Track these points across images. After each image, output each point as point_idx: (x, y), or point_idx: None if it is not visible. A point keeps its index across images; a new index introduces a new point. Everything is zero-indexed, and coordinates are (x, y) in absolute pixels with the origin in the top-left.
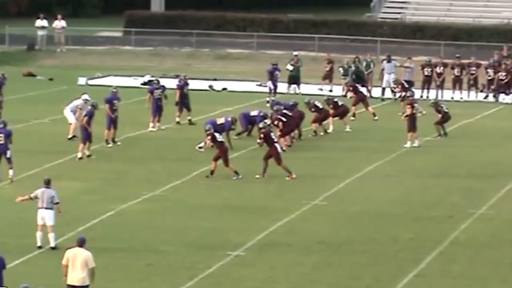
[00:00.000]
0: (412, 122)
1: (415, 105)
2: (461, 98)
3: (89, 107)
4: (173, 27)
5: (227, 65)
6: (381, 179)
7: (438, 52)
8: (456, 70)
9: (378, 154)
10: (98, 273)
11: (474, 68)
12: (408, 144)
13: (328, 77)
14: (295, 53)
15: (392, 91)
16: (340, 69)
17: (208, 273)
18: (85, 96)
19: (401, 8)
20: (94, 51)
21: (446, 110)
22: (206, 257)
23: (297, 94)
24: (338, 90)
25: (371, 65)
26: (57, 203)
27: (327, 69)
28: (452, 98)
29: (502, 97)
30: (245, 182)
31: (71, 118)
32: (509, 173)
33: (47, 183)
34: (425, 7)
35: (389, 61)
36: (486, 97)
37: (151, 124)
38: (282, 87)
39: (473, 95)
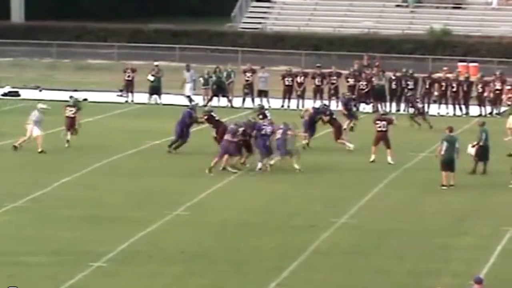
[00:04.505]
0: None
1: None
2: None
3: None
4: (33, 38)
5: (88, 75)
6: (243, 188)
7: (299, 62)
8: (317, 79)
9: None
10: None
11: (335, 78)
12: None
13: (129, 86)
14: (155, 63)
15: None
16: (201, 79)
17: (70, 284)
18: (40, 105)
19: (262, 18)
20: None
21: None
22: (68, 268)
23: (157, 104)
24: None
25: (232, 75)
26: None
27: (129, 78)
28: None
29: (362, 107)
30: (106, 192)
31: (36, 131)
32: (371, 181)
33: None
34: (286, 17)
35: (188, 70)
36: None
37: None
38: (143, 97)
39: (333, 105)
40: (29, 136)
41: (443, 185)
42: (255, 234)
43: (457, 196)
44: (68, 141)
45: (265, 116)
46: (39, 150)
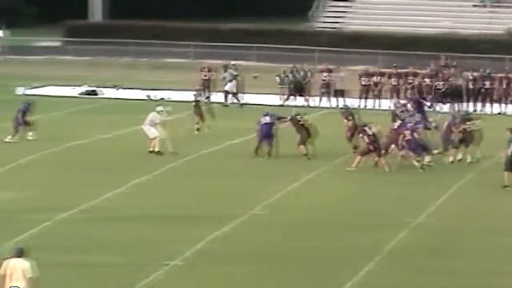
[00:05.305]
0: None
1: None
2: None
3: None
4: (111, 37)
5: (164, 74)
6: (318, 187)
7: (376, 61)
8: (393, 79)
9: (316, 162)
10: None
11: (411, 77)
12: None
13: (206, 85)
14: (233, 62)
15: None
16: (277, 78)
17: (145, 282)
18: (160, 108)
19: (340, 17)
20: (32, 61)
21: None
22: (144, 267)
23: (234, 104)
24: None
25: (309, 75)
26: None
27: (206, 77)
28: (390, 107)
29: (440, 106)
30: (182, 192)
31: (151, 133)
32: (447, 181)
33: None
34: (363, 16)
35: (225, 70)
36: (431, 106)
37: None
38: (220, 97)
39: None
40: (157, 137)
41: (505, 186)
42: (330, 233)
43: None
44: (198, 129)
45: (353, 116)
46: (156, 150)
